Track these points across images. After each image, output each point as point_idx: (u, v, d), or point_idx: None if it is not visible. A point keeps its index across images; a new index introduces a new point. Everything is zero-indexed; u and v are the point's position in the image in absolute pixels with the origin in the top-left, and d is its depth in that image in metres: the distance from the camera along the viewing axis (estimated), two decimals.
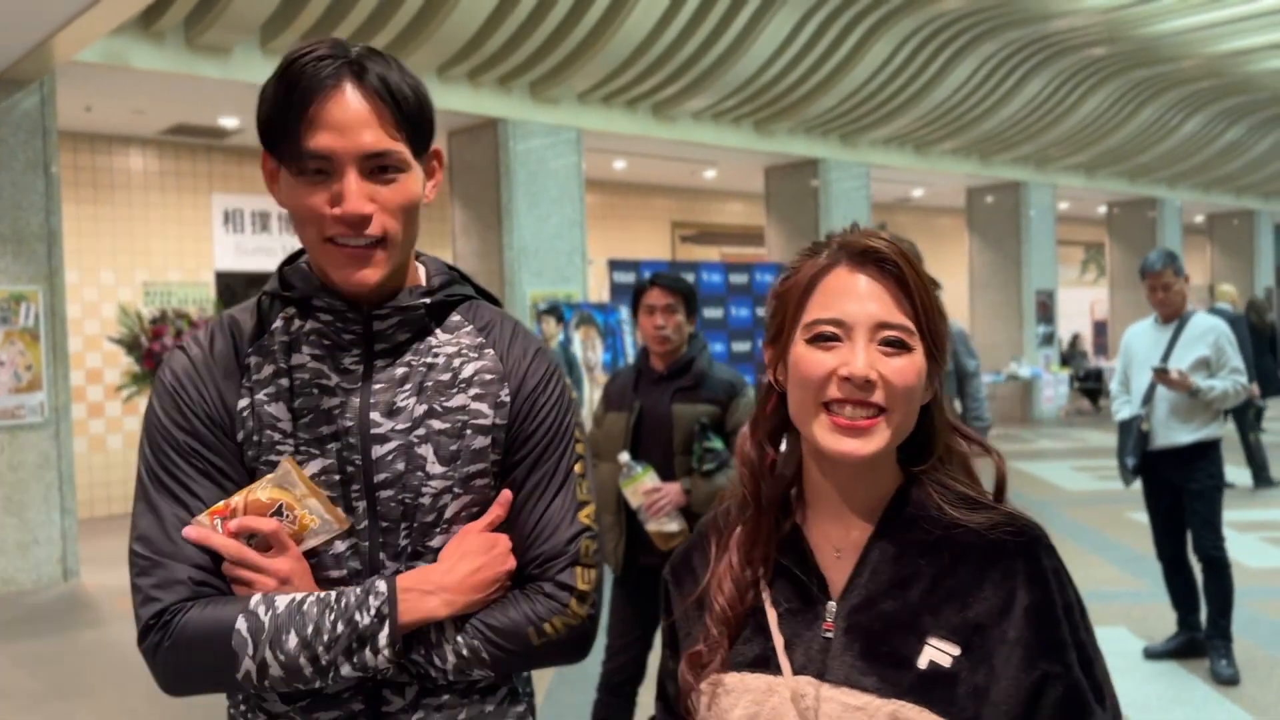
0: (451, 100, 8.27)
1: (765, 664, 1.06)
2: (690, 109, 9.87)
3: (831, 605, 1.05)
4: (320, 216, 1.17)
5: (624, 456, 3.15)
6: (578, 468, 1.29)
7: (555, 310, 7.84)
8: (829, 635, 1.04)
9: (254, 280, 11.24)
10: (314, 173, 1.17)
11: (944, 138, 12.17)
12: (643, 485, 3.11)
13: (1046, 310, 14.77)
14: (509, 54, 8.09)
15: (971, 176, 13.61)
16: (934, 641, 0.99)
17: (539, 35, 7.95)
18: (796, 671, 1.04)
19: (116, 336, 7.18)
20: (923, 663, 0.99)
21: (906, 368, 1.02)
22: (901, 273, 1.04)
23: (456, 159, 9.08)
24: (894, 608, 1.02)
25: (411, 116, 1.20)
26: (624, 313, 8.80)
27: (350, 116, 1.15)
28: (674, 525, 3.12)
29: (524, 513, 1.25)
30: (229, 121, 8.71)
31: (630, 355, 8.69)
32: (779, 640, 1.06)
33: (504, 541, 1.24)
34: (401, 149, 1.19)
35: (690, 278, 6.53)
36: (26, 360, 6.44)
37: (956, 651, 0.99)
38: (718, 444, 3.15)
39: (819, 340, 1.04)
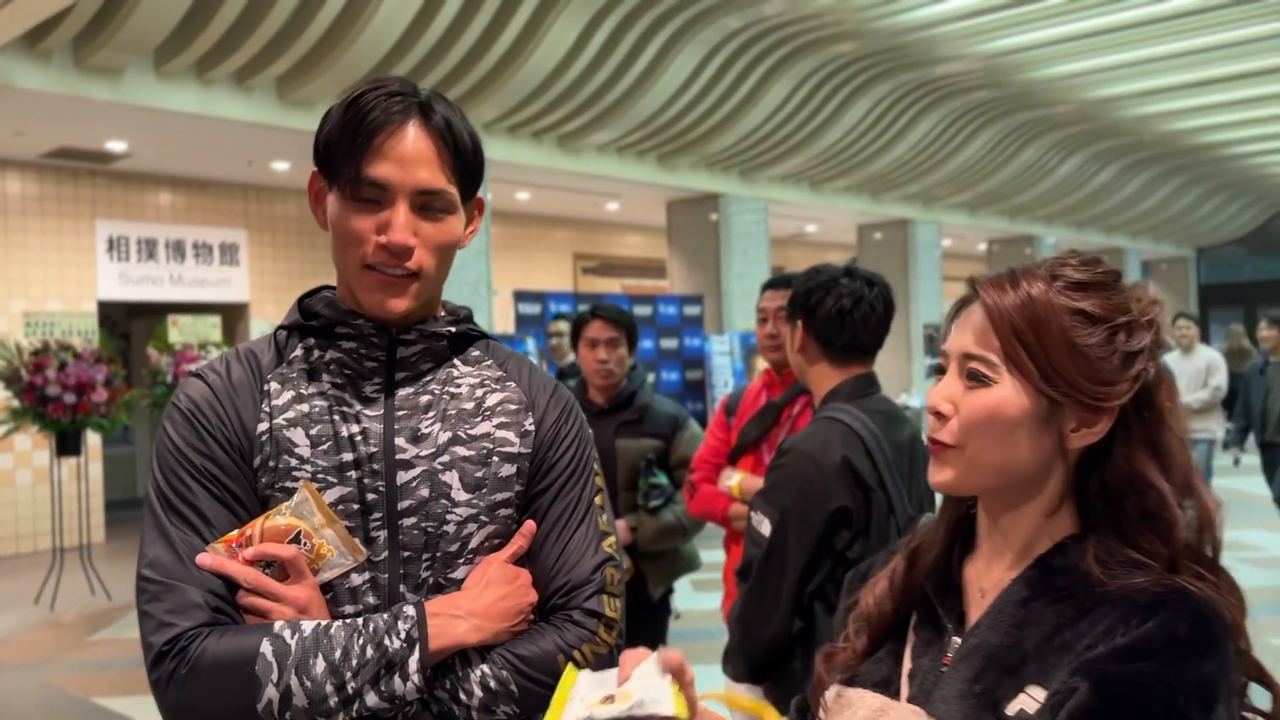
0: None
1: (887, 686, 1.06)
2: (595, 142, 9.91)
3: (956, 641, 1.03)
4: (364, 241, 1.20)
5: None
6: (598, 499, 1.31)
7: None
8: (945, 669, 1.02)
9: (138, 310, 10.76)
10: (366, 199, 1.19)
11: (837, 176, 12.52)
12: None
13: (933, 343, 15.25)
14: (415, 82, 7.96)
15: (862, 214, 14.01)
16: (1031, 690, 0.94)
17: (446, 64, 7.87)
18: (910, 699, 1.03)
19: None
20: (1011, 710, 0.94)
21: (975, 402, 0.99)
22: (985, 304, 1.02)
23: None
24: (1005, 652, 0.97)
25: (467, 162, 1.25)
26: (530, 344, 8.73)
27: (411, 152, 1.20)
28: None
29: (548, 542, 1.25)
30: (117, 145, 8.34)
31: None
32: (906, 666, 1.06)
33: (525, 574, 1.23)
34: (452, 191, 1.23)
35: None
36: None
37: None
38: (663, 479, 3.12)
39: (939, 371, 1.07)
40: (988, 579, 1.05)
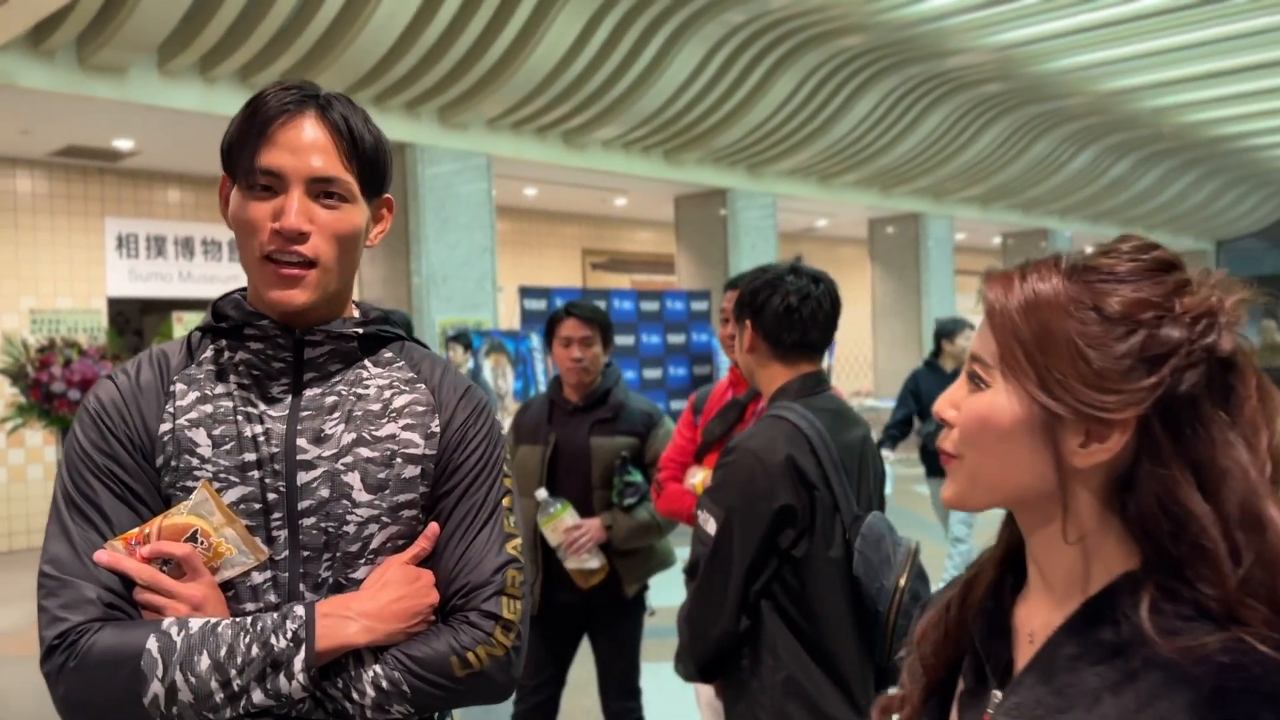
0: None
1: None
2: (600, 137, 9.89)
3: (996, 695, 0.90)
4: (260, 229, 1.21)
5: (541, 493, 3.08)
6: (505, 501, 1.30)
7: (463, 338, 7.68)
8: None
9: (148, 306, 10.84)
10: (261, 189, 1.21)
11: (846, 170, 12.45)
12: (563, 523, 3.04)
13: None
14: (417, 78, 8.00)
15: (873, 208, 13.93)
16: None
17: (448, 60, 7.88)
18: None
19: (1, 366, 6.83)
20: None
21: (969, 408, 0.89)
22: (985, 299, 0.90)
23: None
24: (1043, 718, 0.84)
25: (366, 156, 1.25)
26: (535, 340, 8.75)
27: (305, 141, 1.21)
28: (594, 562, 3.07)
29: (451, 543, 1.25)
30: (123, 143, 8.41)
31: (541, 383, 8.63)
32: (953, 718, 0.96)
33: (427, 575, 1.23)
34: (349, 180, 1.23)
35: (602, 305, 6.50)
36: None
37: None
38: (637, 477, 3.11)
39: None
40: (1036, 620, 0.91)
